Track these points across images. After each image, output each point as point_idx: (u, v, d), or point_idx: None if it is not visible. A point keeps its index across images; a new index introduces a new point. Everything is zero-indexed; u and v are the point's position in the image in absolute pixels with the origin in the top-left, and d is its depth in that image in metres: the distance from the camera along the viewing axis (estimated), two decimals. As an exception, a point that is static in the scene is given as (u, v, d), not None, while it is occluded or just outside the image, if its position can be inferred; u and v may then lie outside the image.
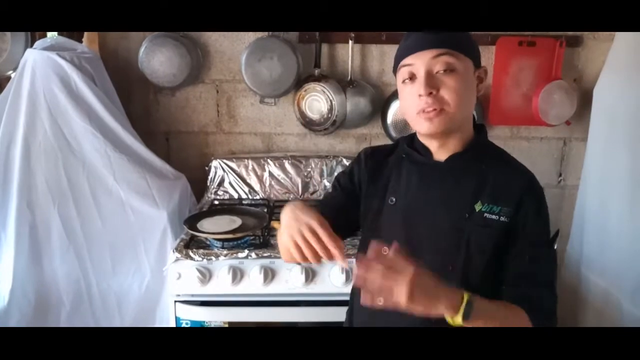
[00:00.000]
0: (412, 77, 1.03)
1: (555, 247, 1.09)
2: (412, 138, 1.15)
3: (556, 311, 1.05)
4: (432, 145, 1.09)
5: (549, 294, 1.04)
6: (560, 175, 2.25)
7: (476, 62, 1.06)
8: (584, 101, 2.10)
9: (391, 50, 2.11)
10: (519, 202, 1.03)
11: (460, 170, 1.07)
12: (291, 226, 0.95)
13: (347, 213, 1.16)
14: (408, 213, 1.08)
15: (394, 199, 1.10)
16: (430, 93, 1.00)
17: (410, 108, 1.04)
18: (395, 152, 1.16)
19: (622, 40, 1.94)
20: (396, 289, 0.84)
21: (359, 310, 1.17)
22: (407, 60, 1.03)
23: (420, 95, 1.01)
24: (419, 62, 1.01)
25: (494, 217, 1.02)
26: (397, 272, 0.85)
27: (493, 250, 1.03)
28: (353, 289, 1.24)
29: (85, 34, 2.06)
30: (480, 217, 1.03)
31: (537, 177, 2.38)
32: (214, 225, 1.73)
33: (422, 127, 1.04)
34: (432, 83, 1.00)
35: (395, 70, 1.09)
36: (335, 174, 2.12)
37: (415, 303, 0.84)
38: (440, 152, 1.08)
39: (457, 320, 0.88)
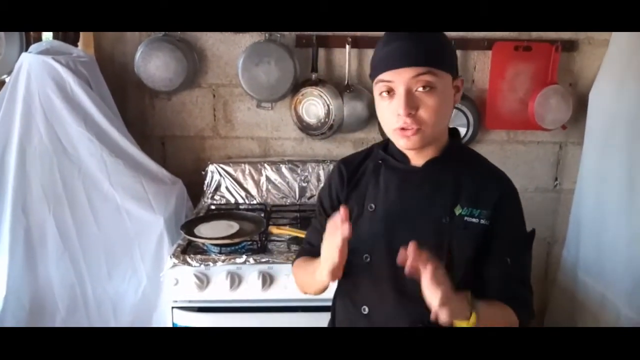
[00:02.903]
0: (389, 92, 1.02)
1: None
2: (387, 144, 1.15)
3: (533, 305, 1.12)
4: (408, 152, 1.10)
5: (528, 292, 1.11)
6: (556, 179, 2.26)
7: (454, 73, 1.05)
8: (580, 105, 2.11)
9: (388, 54, 2.12)
10: (496, 204, 1.05)
11: (437, 174, 1.07)
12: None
13: None
14: (388, 219, 1.08)
15: (373, 206, 1.10)
16: (410, 113, 0.99)
17: (388, 123, 1.04)
18: (370, 158, 1.16)
19: (617, 45, 1.95)
20: (434, 297, 0.89)
21: (341, 321, 1.20)
22: (385, 75, 1.01)
23: (398, 114, 1.00)
24: (399, 80, 0.99)
25: (474, 220, 1.04)
26: (437, 282, 0.89)
27: (474, 253, 1.05)
28: (335, 298, 1.23)
29: (81, 37, 2.05)
30: (461, 220, 1.04)
31: (533, 181, 2.40)
32: (211, 231, 1.72)
33: (399, 143, 1.05)
34: (411, 103, 0.99)
35: (372, 77, 1.07)
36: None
37: (443, 313, 0.89)
38: (417, 158, 1.09)
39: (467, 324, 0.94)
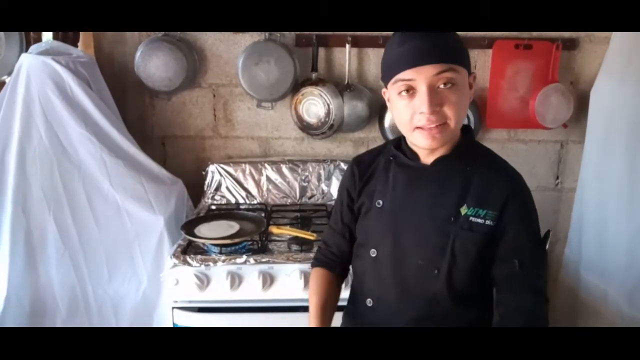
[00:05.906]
0: (409, 90, 1.00)
1: (547, 248, 1.09)
2: (400, 141, 1.14)
3: (547, 315, 1.07)
4: (420, 150, 1.09)
5: (541, 301, 1.06)
6: (557, 177, 2.25)
7: (469, 70, 1.05)
8: (581, 104, 2.11)
9: (388, 53, 2.12)
10: (503, 205, 1.03)
11: (446, 173, 1.07)
12: None
13: (351, 224, 1.21)
14: (395, 216, 1.09)
15: (381, 202, 1.11)
16: (435, 110, 0.98)
17: (408, 123, 1.02)
18: (383, 154, 1.16)
19: (618, 43, 1.95)
20: None
21: (350, 312, 1.24)
22: (405, 74, 0.99)
23: (421, 112, 0.99)
24: (421, 78, 0.98)
25: (479, 220, 1.03)
26: None
27: (478, 253, 1.04)
28: (351, 287, 1.25)
29: (81, 38, 2.04)
30: (466, 220, 1.03)
31: (534, 180, 2.39)
32: (212, 231, 1.72)
33: (422, 142, 1.03)
34: (435, 101, 0.98)
35: (386, 78, 1.05)
36: (333, 178, 2.13)
37: None
38: (427, 156, 1.08)
39: None
